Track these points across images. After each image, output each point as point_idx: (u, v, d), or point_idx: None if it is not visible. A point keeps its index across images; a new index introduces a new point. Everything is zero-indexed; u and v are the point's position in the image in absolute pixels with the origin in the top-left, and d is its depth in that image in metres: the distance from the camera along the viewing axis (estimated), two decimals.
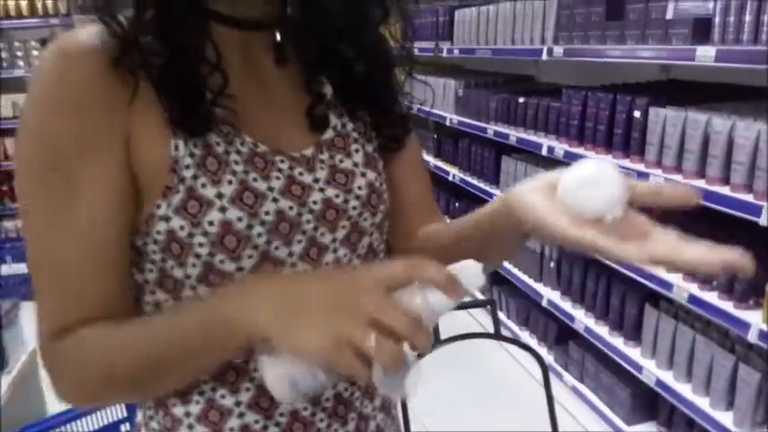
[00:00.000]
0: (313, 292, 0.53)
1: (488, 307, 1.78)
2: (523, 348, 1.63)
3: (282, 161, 0.66)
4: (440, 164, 3.68)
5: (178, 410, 0.67)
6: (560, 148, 2.41)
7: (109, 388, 0.62)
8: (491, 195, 3.04)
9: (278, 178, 0.65)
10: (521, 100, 2.75)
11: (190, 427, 0.66)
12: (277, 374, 0.53)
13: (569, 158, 2.35)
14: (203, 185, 0.61)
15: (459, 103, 3.37)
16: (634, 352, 2.17)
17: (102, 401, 0.63)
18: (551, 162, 2.63)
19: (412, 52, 0.74)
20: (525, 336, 2.92)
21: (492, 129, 2.95)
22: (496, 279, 3.17)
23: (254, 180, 0.63)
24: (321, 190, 0.67)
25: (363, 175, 0.70)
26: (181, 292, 0.63)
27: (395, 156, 0.76)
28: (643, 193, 0.55)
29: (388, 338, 0.48)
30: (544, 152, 2.52)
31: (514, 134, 2.77)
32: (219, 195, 0.61)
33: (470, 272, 0.53)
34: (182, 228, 0.60)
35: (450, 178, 3.49)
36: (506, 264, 3.01)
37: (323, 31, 0.70)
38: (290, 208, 0.64)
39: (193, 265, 0.61)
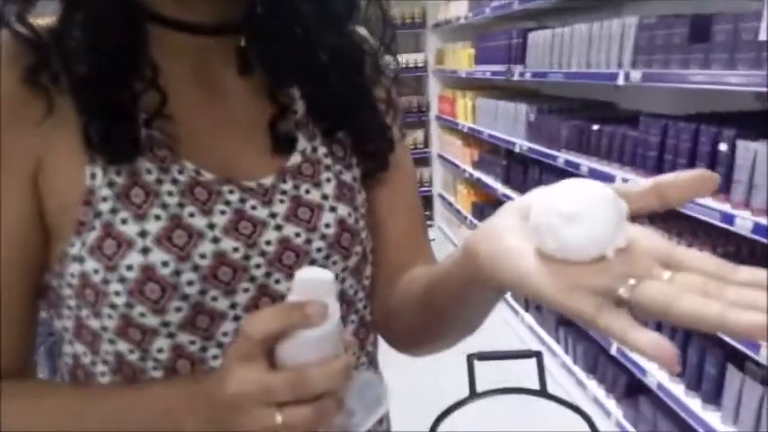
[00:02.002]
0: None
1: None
2: (572, 410, 1.43)
3: (232, 192, 0.55)
4: (508, 192, 3.49)
5: None
6: (636, 181, 2.19)
7: None
8: None
9: (223, 213, 0.54)
10: (594, 127, 2.54)
11: None
12: None
13: None
14: (124, 221, 0.51)
15: (531, 129, 3.18)
16: (713, 417, 1.90)
17: None
18: None
19: (394, 54, 0.64)
20: (592, 385, 2.67)
21: (563, 157, 2.75)
22: (563, 319, 2.94)
23: (191, 215, 0.53)
24: (278, 227, 0.56)
25: (333, 209, 0.58)
26: (99, 345, 0.54)
27: (380, 182, 0.64)
28: (640, 197, 0.40)
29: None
30: None
31: (586, 164, 2.56)
32: (143, 234, 0.51)
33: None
34: (96, 271, 0.51)
35: None
36: None
37: (293, 34, 0.58)
38: (235, 249, 0.54)
39: (109, 316, 0.51)
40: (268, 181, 0.57)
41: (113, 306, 0.51)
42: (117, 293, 0.51)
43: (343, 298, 0.59)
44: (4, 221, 0.51)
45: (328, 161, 0.61)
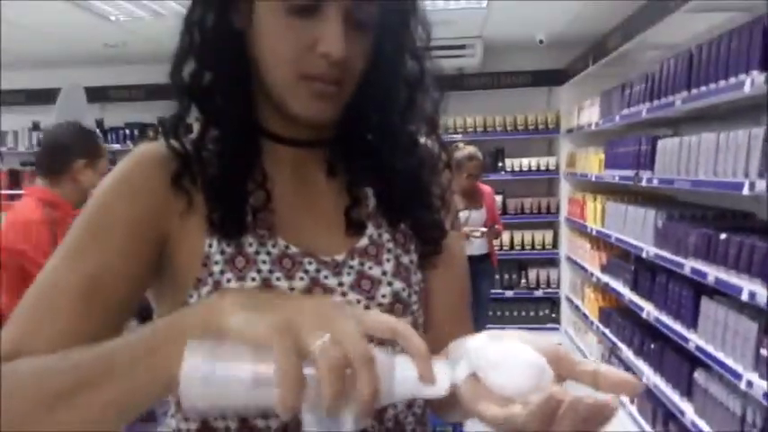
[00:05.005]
0: (288, 301, 0.54)
1: None
2: None
3: (310, 263, 0.70)
4: (635, 299, 3.38)
5: None
6: (764, 294, 2.08)
7: (35, 412, 0.53)
8: (687, 341, 2.69)
9: (302, 279, 0.69)
10: (722, 236, 2.46)
11: None
12: (192, 364, 0.45)
13: None
14: (228, 281, 0.67)
15: (658, 235, 3.12)
16: None
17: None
18: (754, 310, 2.27)
19: (450, 169, 0.79)
20: None
21: (689, 265, 2.67)
22: None
23: (278, 279, 0.68)
24: (343, 294, 0.69)
25: (390, 284, 0.72)
26: None
27: (434, 266, 0.77)
28: (581, 373, 0.50)
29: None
30: (744, 297, 2.19)
31: (713, 273, 2.46)
32: None
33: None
34: None
35: (645, 315, 3.18)
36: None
37: (368, 149, 0.75)
38: None
39: None
40: (340, 257, 0.71)
41: None
42: None
43: None
44: (127, 248, 0.64)
45: (390, 245, 0.74)
